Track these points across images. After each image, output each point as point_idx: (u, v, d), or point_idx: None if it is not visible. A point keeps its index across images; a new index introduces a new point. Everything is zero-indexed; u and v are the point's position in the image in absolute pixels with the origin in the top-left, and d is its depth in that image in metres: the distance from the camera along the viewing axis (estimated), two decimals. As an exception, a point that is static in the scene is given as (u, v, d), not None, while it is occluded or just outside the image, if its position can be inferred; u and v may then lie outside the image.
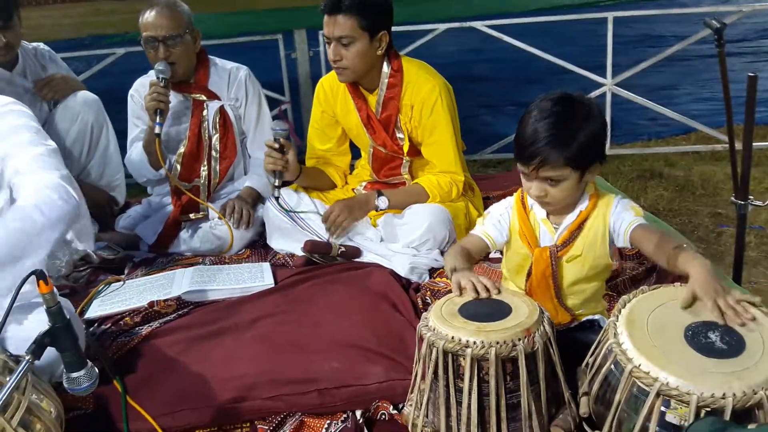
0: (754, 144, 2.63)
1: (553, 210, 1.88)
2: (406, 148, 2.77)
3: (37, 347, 1.46)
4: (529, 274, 1.89)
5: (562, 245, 1.86)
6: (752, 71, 2.56)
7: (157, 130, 2.80)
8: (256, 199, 3.03)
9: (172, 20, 2.83)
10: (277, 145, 2.61)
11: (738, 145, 2.62)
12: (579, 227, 1.85)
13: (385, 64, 2.70)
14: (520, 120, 1.82)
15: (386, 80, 2.70)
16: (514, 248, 1.94)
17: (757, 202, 2.64)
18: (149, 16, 2.84)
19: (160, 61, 2.81)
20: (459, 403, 1.58)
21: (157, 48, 2.83)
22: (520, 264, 1.93)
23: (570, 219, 1.86)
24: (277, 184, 2.61)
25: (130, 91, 3.12)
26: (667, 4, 9.33)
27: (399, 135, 2.77)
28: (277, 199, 2.64)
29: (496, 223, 1.95)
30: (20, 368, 1.43)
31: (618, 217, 1.83)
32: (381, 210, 2.69)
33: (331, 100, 2.86)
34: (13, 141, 2.02)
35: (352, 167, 3.12)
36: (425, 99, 2.67)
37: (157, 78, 2.81)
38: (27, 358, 1.44)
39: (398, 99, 2.70)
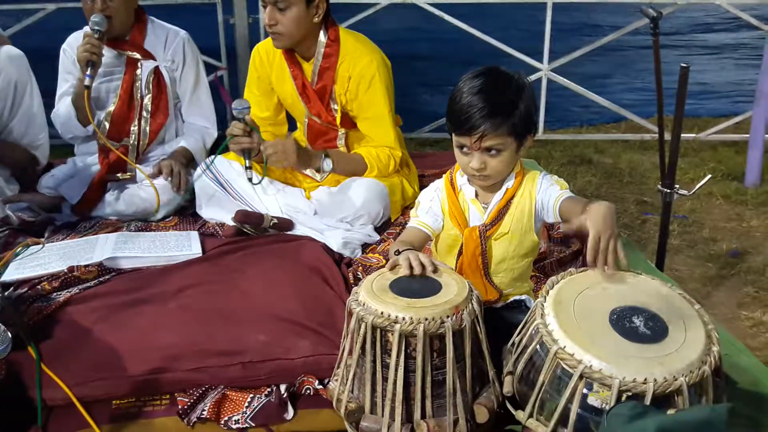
0: (681, 135, 2.68)
1: (489, 185, 1.87)
2: (338, 120, 2.74)
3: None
4: (460, 254, 1.88)
5: (491, 224, 1.86)
6: (683, 63, 2.61)
7: (86, 82, 2.70)
8: (189, 160, 2.96)
9: None
10: (242, 125, 2.50)
11: (667, 135, 2.67)
12: (506, 205, 1.86)
13: (321, 33, 2.66)
14: (452, 95, 1.82)
15: (322, 49, 2.67)
16: (445, 229, 1.93)
17: (683, 191, 2.71)
18: None
19: (96, 13, 2.71)
20: (385, 379, 1.57)
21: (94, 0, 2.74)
22: (450, 244, 1.92)
23: (498, 197, 1.87)
24: (248, 164, 2.52)
25: (63, 46, 3.02)
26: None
27: (333, 106, 2.74)
28: (250, 180, 2.55)
29: (428, 210, 1.94)
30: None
31: (545, 193, 1.84)
32: (324, 171, 2.62)
33: (267, 67, 2.80)
34: None
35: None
36: (363, 73, 2.64)
37: (92, 30, 2.70)
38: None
39: (334, 69, 2.67)
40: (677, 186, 2.69)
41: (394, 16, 4.87)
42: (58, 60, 3.06)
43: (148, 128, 2.95)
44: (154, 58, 2.94)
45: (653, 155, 4.22)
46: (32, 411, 1.76)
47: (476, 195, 1.90)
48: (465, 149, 1.80)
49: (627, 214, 3.85)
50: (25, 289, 2.19)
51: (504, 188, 1.87)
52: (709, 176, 2.85)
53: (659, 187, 2.69)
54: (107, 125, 2.92)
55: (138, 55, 2.92)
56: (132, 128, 2.94)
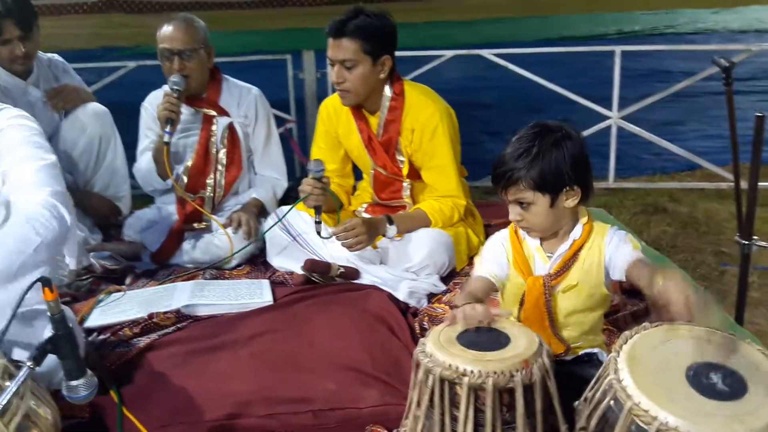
0: (759, 184, 2.63)
1: (537, 235, 1.88)
2: (405, 171, 2.78)
3: (39, 354, 1.46)
4: (522, 303, 1.88)
5: (556, 274, 1.85)
6: (760, 110, 2.56)
7: (166, 138, 2.82)
8: (260, 210, 3.04)
9: (188, 34, 2.89)
10: (320, 184, 2.59)
11: (744, 185, 2.62)
12: (573, 256, 1.85)
13: (387, 87, 2.72)
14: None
15: (388, 103, 2.73)
16: (510, 278, 1.92)
17: (762, 243, 2.63)
18: (167, 29, 2.90)
19: (175, 74, 2.84)
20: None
21: (172, 60, 2.89)
22: (516, 293, 1.91)
23: (564, 248, 1.86)
24: (317, 219, 2.60)
25: (144, 103, 3.15)
26: (675, 39, 9.39)
27: (399, 158, 2.78)
28: (319, 233, 2.63)
29: (493, 259, 1.93)
30: (21, 374, 1.43)
31: (616, 250, 1.83)
32: (389, 237, 2.68)
33: (335, 121, 2.88)
34: (14, 156, 2.04)
35: (354, 188, 3.13)
36: (426, 123, 2.69)
37: (171, 89, 2.83)
38: (28, 364, 1.44)
39: (399, 122, 2.72)
40: (756, 237, 2.62)
41: (458, 66, 4.94)
42: (138, 114, 3.20)
43: (223, 181, 3.04)
44: (228, 115, 3.04)
45: (731, 204, 4.11)
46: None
47: (541, 243, 1.89)
48: (504, 198, 1.85)
49: (704, 266, 3.75)
50: (108, 334, 2.28)
51: (570, 239, 1.86)
52: (789, 228, 2.76)
53: (737, 238, 2.63)
54: (185, 179, 3.03)
55: (213, 112, 3.02)
56: (208, 181, 3.04)
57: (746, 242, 2.60)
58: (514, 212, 1.82)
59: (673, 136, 5.15)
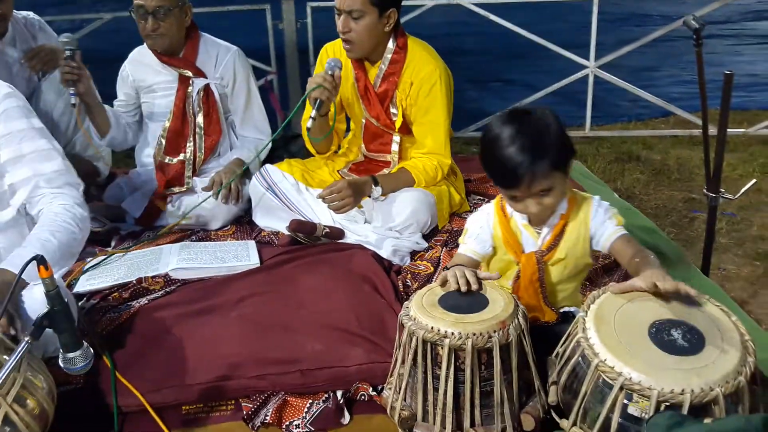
0: (729, 130, 2.69)
1: (547, 216, 1.90)
2: (398, 125, 2.80)
3: (36, 329, 1.51)
4: (517, 278, 1.93)
5: (547, 250, 1.90)
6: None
7: (73, 100, 2.83)
8: (244, 173, 3.04)
9: None
10: (331, 79, 2.61)
11: (712, 130, 2.68)
12: (561, 232, 1.90)
13: (390, 40, 2.74)
14: (486, 149, 1.84)
15: (389, 56, 2.75)
16: (499, 254, 1.98)
17: (728, 195, 2.73)
18: None
19: (67, 34, 2.85)
20: (436, 389, 1.66)
21: (146, 19, 2.86)
22: (504, 268, 1.98)
23: (552, 223, 1.90)
24: (313, 115, 2.61)
25: (125, 63, 3.16)
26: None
27: (393, 110, 2.80)
28: (308, 129, 2.64)
29: (476, 236, 1.98)
30: (20, 348, 1.48)
31: (601, 224, 1.88)
32: (374, 198, 2.72)
33: (345, 69, 2.85)
34: (22, 149, 2.13)
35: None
36: (425, 78, 2.71)
37: (65, 51, 2.80)
38: (26, 338, 1.50)
39: (398, 75, 2.74)
40: (723, 190, 2.71)
41: (439, 14, 4.92)
42: (115, 65, 3.19)
43: (203, 144, 3.04)
44: (205, 76, 3.03)
45: (702, 151, 4.22)
46: (109, 417, 1.87)
47: (528, 220, 1.92)
48: (515, 199, 1.84)
49: (675, 213, 3.86)
50: (97, 299, 2.33)
51: (557, 215, 1.89)
52: (754, 180, 2.85)
53: (705, 191, 2.73)
54: (164, 142, 3.04)
55: (190, 73, 3.01)
56: (188, 144, 3.04)
57: (714, 195, 2.70)
58: (533, 205, 1.81)
59: (648, 82, 5.20)
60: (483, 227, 1.98)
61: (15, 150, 2.13)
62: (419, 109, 2.75)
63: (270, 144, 3.16)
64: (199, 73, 3.02)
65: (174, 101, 3.03)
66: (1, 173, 2.14)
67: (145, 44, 3.05)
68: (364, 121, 2.91)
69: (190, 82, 3.02)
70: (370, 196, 2.72)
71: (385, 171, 2.90)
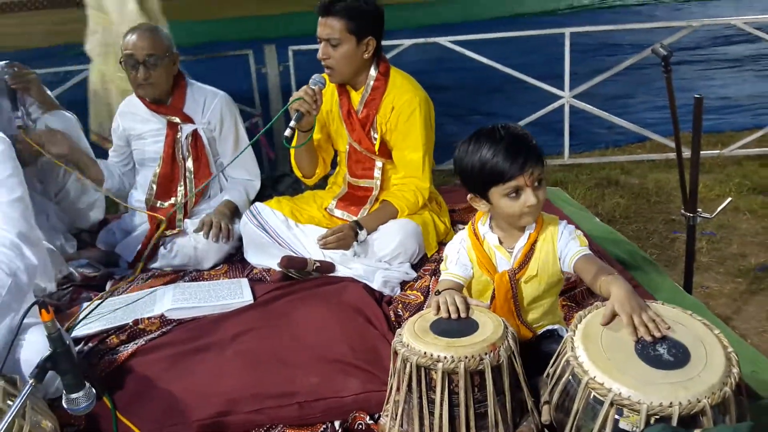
0: (703, 152, 2.76)
1: (511, 232, 1.97)
2: (377, 147, 2.84)
3: (40, 371, 1.52)
4: (493, 297, 1.97)
5: (519, 268, 1.95)
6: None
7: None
8: (233, 212, 3.07)
9: (153, 42, 2.90)
10: (312, 93, 2.66)
11: (686, 153, 2.74)
12: (531, 249, 1.95)
13: (372, 67, 2.80)
14: (477, 160, 1.88)
15: (372, 82, 2.81)
16: (475, 276, 2.02)
17: (705, 215, 2.78)
18: (131, 37, 2.91)
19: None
20: (431, 414, 1.67)
21: (137, 68, 2.90)
22: (481, 290, 2.03)
23: (522, 242, 1.95)
24: (293, 125, 2.64)
25: (114, 115, 3.20)
26: (623, 11, 9.55)
27: (374, 134, 2.84)
28: (286, 138, 2.65)
29: (456, 261, 2.03)
30: (24, 391, 1.49)
31: (565, 245, 1.94)
32: (361, 241, 2.75)
33: (328, 92, 2.90)
34: None
35: (326, 181, 3.19)
36: (405, 105, 2.77)
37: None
38: (30, 382, 1.50)
39: (380, 100, 2.80)
40: (700, 209, 2.77)
41: (418, 51, 5.01)
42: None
43: (193, 188, 3.06)
44: (192, 122, 3.06)
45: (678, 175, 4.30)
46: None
47: (500, 242, 1.99)
48: (517, 192, 1.88)
49: (656, 234, 3.91)
50: (95, 342, 2.33)
51: (527, 234, 1.95)
52: (730, 199, 2.92)
53: (682, 211, 2.78)
54: (155, 186, 3.06)
55: (178, 119, 3.03)
56: (179, 188, 3.06)
57: (691, 215, 2.75)
58: (532, 195, 1.87)
59: (622, 109, 5.30)
60: (460, 251, 2.03)
61: None
62: (399, 133, 2.81)
63: (258, 186, 3.23)
64: (187, 119, 3.05)
65: (163, 147, 3.05)
66: None
67: (131, 96, 3.10)
68: (348, 147, 2.94)
69: (179, 128, 3.04)
70: (357, 241, 2.75)
71: (365, 207, 2.92)
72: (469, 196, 1.97)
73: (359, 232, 2.74)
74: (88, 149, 3.25)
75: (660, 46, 2.48)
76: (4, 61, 3.18)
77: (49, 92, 3.24)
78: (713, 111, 5.55)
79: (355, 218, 2.85)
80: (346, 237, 2.71)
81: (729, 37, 7.07)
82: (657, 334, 1.64)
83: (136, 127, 3.12)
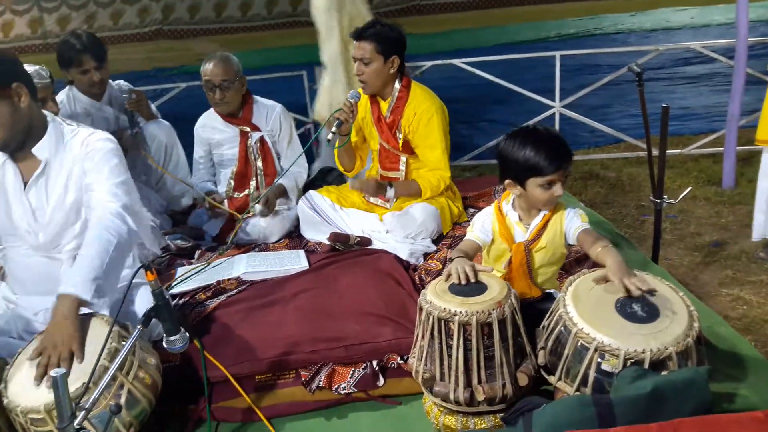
0: (668, 151, 2.70)
1: (530, 212, 1.96)
2: (400, 144, 2.82)
3: (146, 319, 1.55)
4: (509, 263, 1.95)
5: (532, 240, 1.93)
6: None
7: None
8: (282, 193, 3.06)
9: (225, 69, 2.91)
10: (349, 106, 2.68)
11: (655, 152, 2.70)
12: (543, 227, 1.93)
13: (397, 81, 2.80)
14: (520, 153, 1.84)
15: (396, 93, 2.80)
16: (496, 243, 2.00)
17: (669, 200, 2.73)
18: (208, 65, 2.92)
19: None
20: (449, 356, 1.67)
21: (214, 90, 2.91)
22: (499, 255, 2.00)
23: (536, 221, 1.93)
24: (334, 130, 2.66)
25: (196, 126, 3.20)
26: (602, 38, 9.38)
27: (398, 135, 2.83)
28: (328, 140, 2.69)
29: (481, 227, 2.01)
30: (134, 335, 1.52)
31: (570, 222, 1.92)
32: (388, 197, 2.76)
33: (362, 103, 2.89)
34: (98, 172, 2.02)
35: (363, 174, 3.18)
36: (424, 112, 2.76)
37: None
38: (138, 327, 1.53)
39: (403, 108, 2.79)
40: (666, 196, 2.71)
41: (437, 71, 4.97)
42: (188, 124, 3.25)
43: (263, 182, 3.06)
44: (259, 130, 3.05)
45: (648, 169, 4.23)
46: (200, 386, 1.91)
47: (519, 219, 1.97)
48: (549, 185, 1.85)
49: (629, 217, 3.84)
50: (187, 298, 2.37)
51: (541, 215, 1.93)
52: (690, 188, 2.86)
53: (651, 198, 2.73)
54: (233, 182, 3.08)
55: (248, 128, 3.04)
56: (251, 182, 3.08)
57: (658, 200, 2.70)
58: (559, 188, 1.85)
59: (602, 116, 5.19)
60: (485, 221, 2.01)
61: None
62: (419, 136, 2.79)
63: (305, 177, 3.23)
64: (255, 128, 3.05)
65: (238, 151, 3.07)
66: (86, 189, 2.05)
67: (210, 110, 3.12)
68: (379, 145, 2.93)
69: (249, 135, 3.05)
70: (385, 196, 2.76)
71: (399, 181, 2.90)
72: (506, 181, 1.92)
73: (389, 189, 2.75)
74: (181, 152, 3.29)
75: (635, 65, 2.43)
76: (121, 81, 3.24)
77: (153, 106, 3.29)
78: (675, 118, 5.41)
79: (388, 203, 2.85)
80: (379, 187, 2.74)
81: (688, 59, 6.90)
82: (644, 288, 1.62)
83: (214, 136, 3.13)
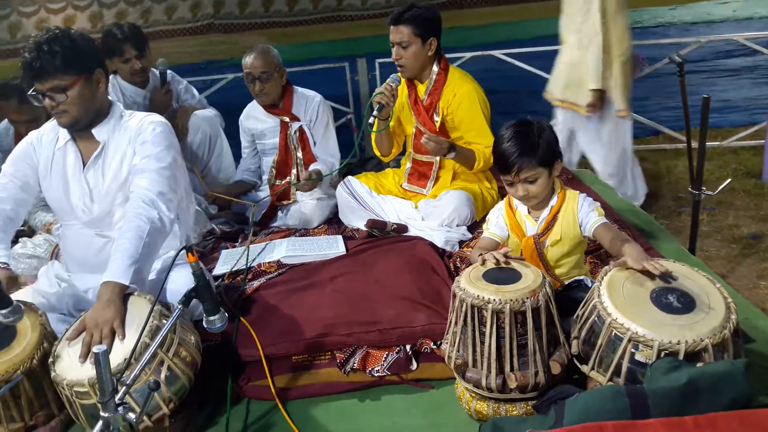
0: (708, 144, 2.60)
1: (535, 205, 1.91)
2: (437, 126, 2.75)
3: (186, 299, 1.55)
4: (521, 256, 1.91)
5: (542, 233, 1.90)
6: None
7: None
8: (318, 174, 2.98)
9: (265, 62, 2.90)
10: (390, 89, 2.63)
11: (694, 144, 2.59)
12: (553, 218, 1.88)
13: (435, 64, 2.73)
14: (493, 145, 1.89)
15: (434, 76, 2.73)
16: (511, 237, 1.97)
17: (708, 192, 2.62)
18: (249, 58, 2.92)
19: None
20: (482, 343, 1.63)
21: (254, 82, 2.92)
22: (514, 249, 1.94)
23: (545, 213, 1.90)
24: (374, 114, 2.62)
25: (241, 117, 3.21)
26: (642, 31, 9.07)
27: (436, 117, 2.76)
28: (369, 125, 2.62)
29: (495, 224, 1.99)
30: (175, 314, 1.52)
31: (586, 215, 1.87)
32: (449, 157, 2.66)
33: (401, 89, 2.83)
34: (143, 151, 2.02)
35: (398, 162, 3.12)
36: (465, 95, 2.68)
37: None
38: (179, 307, 1.53)
39: (441, 90, 2.72)
40: (704, 188, 2.61)
41: (477, 62, 4.87)
42: (238, 111, 3.24)
43: (303, 170, 3.03)
44: (298, 120, 3.03)
45: (686, 160, 4.06)
46: (238, 364, 1.93)
47: (528, 211, 1.94)
48: (510, 184, 1.87)
49: (665, 209, 3.72)
50: (230, 280, 2.38)
51: (549, 206, 1.90)
52: (729, 180, 2.75)
53: (690, 189, 2.62)
54: (274, 170, 3.09)
55: (287, 119, 3.02)
56: (292, 171, 3.07)
57: (697, 192, 2.59)
58: (521, 189, 1.85)
59: (641, 108, 5.02)
60: (498, 217, 1.99)
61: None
62: (462, 119, 2.71)
63: (337, 166, 3.14)
64: (294, 118, 3.04)
65: (279, 141, 3.07)
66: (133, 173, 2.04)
67: (253, 101, 3.11)
68: (414, 129, 2.85)
69: (289, 125, 3.03)
70: (445, 155, 2.66)
71: (431, 179, 2.85)
72: None
73: (451, 150, 2.63)
74: (224, 142, 3.30)
75: (676, 55, 2.32)
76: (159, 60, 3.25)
77: (199, 96, 3.32)
78: (716, 111, 5.19)
79: (424, 189, 2.82)
80: (442, 144, 2.61)
81: (730, 52, 6.61)
82: (664, 270, 1.57)
83: (257, 126, 3.13)
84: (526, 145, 1.81)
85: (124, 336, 1.67)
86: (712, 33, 8.12)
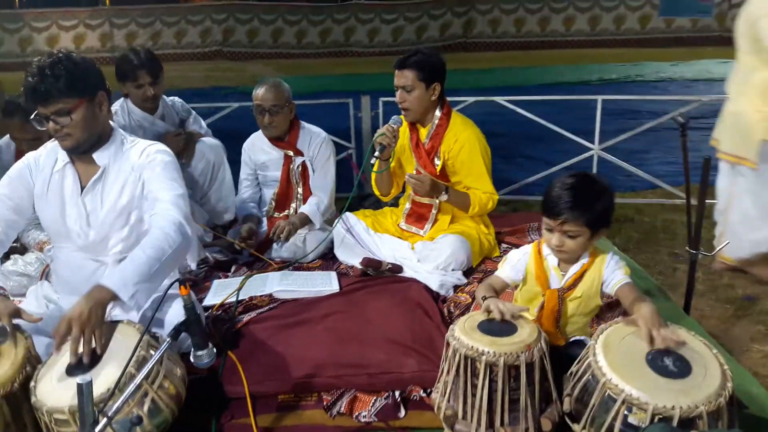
0: (707, 201, 2.62)
1: (566, 259, 1.86)
2: (438, 170, 2.77)
3: (176, 332, 1.53)
4: (542, 308, 1.88)
5: (568, 288, 1.85)
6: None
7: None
8: (304, 220, 2.98)
9: (275, 95, 2.92)
10: (392, 130, 2.65)
11: (693, 201, 2.60)
12: (581, 276, 1.85)
13: (437, 109, 2.76)
14: (549, 186, 1.82)
15: (437, 121, 2.76)
16: (529, 285, 1.92)
17: (704, 252, 2.63)
18: (260, 90, 2.93)
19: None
20: (474, 395, 1.61)
21: (263, 114, 2.92)
22: (531, 298, 1.93)
23: (575, 269, 1.85)
24: (377, 154, 2.65)
25: (244, 146, 3.22)
26: (643, 85, 9.25)
27: (437, 161, 2.78)
28: (371, 165, 2.66)
29: (513, 266, 1.94)
30: (163, 347, 1.50)
31: (611, 273, 1.83)
32: (442, 198, 2.69)
33: (403, 130, 2.86)
34: (159, 182, 2.02)
35: (398, 201, 3.12)
36: (466, 140, 2.71)
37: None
38: (167, 340, 1.51)
39: (443, 135, 2.74)
40: (702, 248, 2.61)
41: (479, 107, 4.93)
42: (238, 140, 3.24)
43: (302, 204, 3.04)
44: (302, 155, 3.04)
45: (683, 216, 4.06)
46: (224, 400, 1.88)
47: (558, 263, 1.88)
48: (550, 230, 1.81)
49: (661, 264, 3.70)
50: (220, 311, 2.35)
51: (580, 263, 1.85)
52: (728, 242, 2.74)
53: (687, 248, 2.62)
54: (274, 203, 3.08)
55: (292, 153, 3.03)
56: (292, 204, 3.07)
57: (694, 251, 2.59)
58: (557, 239, 1.79)
59: (639, 162, 5.06)
60: (521, 260, 1.94)
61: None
62: (465, 165, 2.73)
63: (326, 204, 3.09)
64: (298, 153, 3.04)
65: (281, 173, 3.07)
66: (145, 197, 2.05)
67: (258, 132, 3.12)
68: (414, 172, 2.85)
69: (292, 159, 3.04)
70: (437, 197, 2.69)
71: (429, 222, 2.85)
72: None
73: (444, 192, 2.67)
74: (227, 171, 3.29)
75: (680, 116, 2.35)
76: (176, 98, 3.28)
77: (203, 123, 3.31)
78: (714, 168, 5.25)
79: (421, 230, 2.81)
80: (434, 186, 2.63)
81: (729, 109, 6.75)
82: (671, 345, 1.54)
83: (261, 157, 3.14)
84: (581, 200, 1.75)
85: (101, 348, 1.64)
86: (712, 90, 8.26)
